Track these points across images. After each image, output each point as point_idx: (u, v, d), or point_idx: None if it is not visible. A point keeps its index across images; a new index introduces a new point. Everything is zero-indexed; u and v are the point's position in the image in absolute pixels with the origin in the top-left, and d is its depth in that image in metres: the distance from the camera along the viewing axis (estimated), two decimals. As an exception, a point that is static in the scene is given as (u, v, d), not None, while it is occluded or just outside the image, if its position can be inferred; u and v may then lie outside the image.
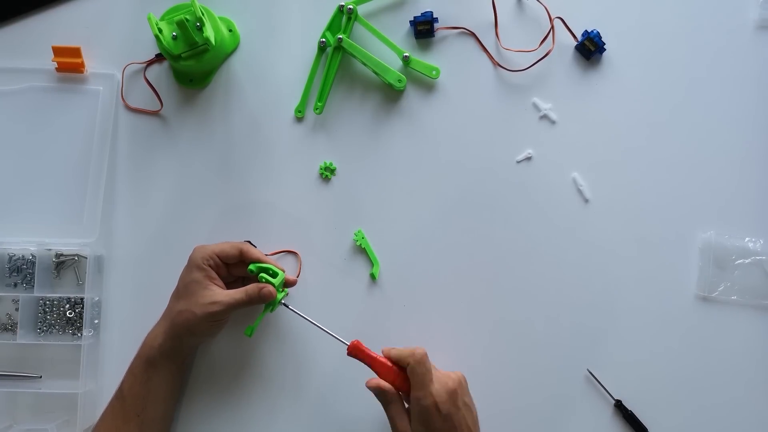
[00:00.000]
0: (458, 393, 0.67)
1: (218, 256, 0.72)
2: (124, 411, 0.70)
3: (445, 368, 0.70)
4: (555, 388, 0.76)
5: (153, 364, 0.71)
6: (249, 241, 0.76)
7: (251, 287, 0.71)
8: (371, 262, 0.78)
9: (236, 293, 0.70)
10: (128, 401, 0.70)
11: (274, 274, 0.72)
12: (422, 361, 0.66)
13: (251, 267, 0.72)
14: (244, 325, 0.74)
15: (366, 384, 0.68)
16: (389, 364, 0.69)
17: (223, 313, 0.70)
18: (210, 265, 0.71)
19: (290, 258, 0.78)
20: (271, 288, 0.71)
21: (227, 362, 0.77)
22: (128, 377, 0.71)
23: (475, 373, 0.72)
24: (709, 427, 0.76)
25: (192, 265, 0.71)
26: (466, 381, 0.70)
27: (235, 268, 0.74)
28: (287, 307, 0.73)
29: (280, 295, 0.72)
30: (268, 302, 0.71)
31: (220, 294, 0.70)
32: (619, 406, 0.75)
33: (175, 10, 0.77)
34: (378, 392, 0.67)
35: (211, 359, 0.77)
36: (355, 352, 0.69)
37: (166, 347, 0.71)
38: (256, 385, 0.77)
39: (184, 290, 0.71)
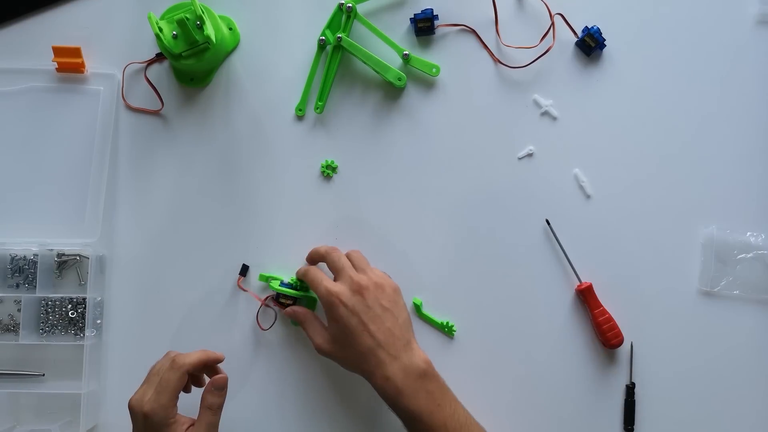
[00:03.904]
0: (370, 290, 0.68)
1: (176, 398, 0.66)
2: None
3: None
4: (561, 389, 0.76)
5: None
6: (245, 265, 0.77)
7: (208, 399, 0.67)
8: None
9: (202, 422, 0.66)
10: None
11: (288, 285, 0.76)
12: (306, 269, 0.73)
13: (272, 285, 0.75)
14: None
15: (283, 312, 0.74)
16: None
17: None
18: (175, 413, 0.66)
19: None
20: (222, 378, 0.68)
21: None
22: None
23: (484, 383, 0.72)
24: (712, 421, 0.76)
25: (159, 429, 0.64)
26: (397, 290, 0.71)
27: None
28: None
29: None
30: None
31: None
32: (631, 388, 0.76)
33: (175, 8, 0.77)
34: (291, 315, 0.73)
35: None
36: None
37: None
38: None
39: None
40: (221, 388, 0.68)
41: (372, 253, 0.77)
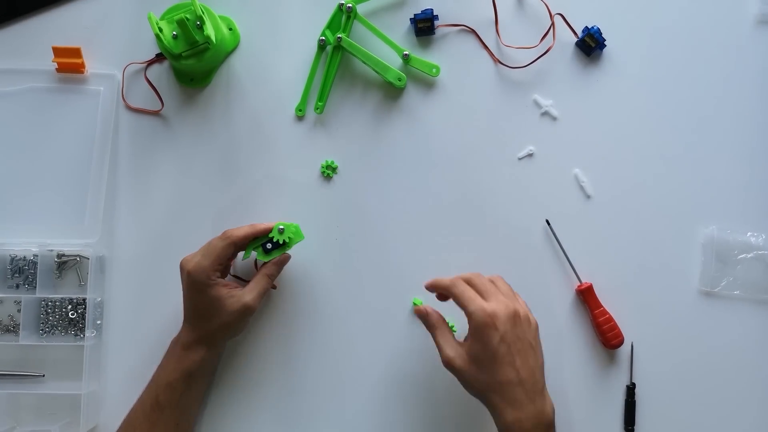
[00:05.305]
0: (521, 321, 0.64)
1: (219, 264, 0.71)
2: (164, 423, 0.70)
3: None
4: (562, 389, 0.76)
5: (195, 377, 0.71)
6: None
7: (269, 268, 0.73)
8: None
9: (260, 284, 0.72)
10: (167, 412, 0.70)
11: (274, 243, 0.73)
12: (455, 283, 0.66)
13: (258, 256, 0.73)
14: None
15: (414, 310, 0.72)
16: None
17: (257, 307, 0.72)
18: (218, 277, 0.71)
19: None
20: (285, 255, 0.74)
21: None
22: (166, 390, 0.70)
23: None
24: (712, 422, 0.76)
25: (201, 288, 0.70)
26: (537, 327, 0.67)
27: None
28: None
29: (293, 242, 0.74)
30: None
31: (246, 295, 0.71)
32: (631, 389, 0.76)
33: (175, 9, 0.77)
34: (423, 317, 0.69)
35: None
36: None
37: (207, 361, 0.72)
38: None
39: (209, 310, 0.71)
40: (281, 264, 0.74)
41: (372, 254, 0.78)
